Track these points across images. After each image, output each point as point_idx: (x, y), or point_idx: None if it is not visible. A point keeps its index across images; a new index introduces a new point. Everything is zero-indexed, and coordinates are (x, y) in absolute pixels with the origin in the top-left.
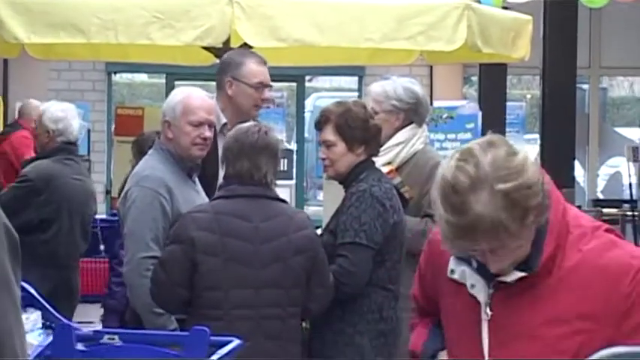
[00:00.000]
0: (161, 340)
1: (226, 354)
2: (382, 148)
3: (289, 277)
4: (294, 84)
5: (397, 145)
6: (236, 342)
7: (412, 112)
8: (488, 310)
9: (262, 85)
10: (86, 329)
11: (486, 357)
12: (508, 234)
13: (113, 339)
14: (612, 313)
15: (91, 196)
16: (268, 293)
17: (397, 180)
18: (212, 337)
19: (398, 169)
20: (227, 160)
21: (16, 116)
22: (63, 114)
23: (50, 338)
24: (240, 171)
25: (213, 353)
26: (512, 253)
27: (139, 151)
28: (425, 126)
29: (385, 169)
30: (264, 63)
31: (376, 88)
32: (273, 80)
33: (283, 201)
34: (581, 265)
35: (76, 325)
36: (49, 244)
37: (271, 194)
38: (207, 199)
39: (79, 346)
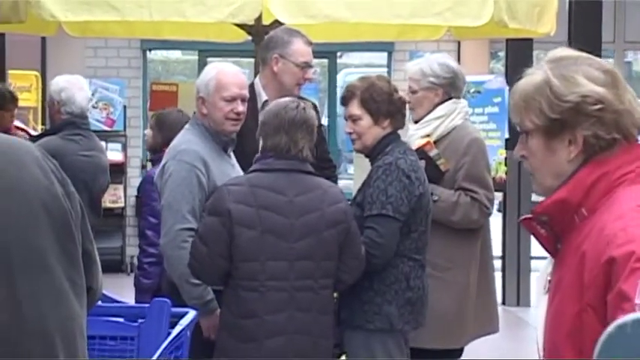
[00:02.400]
0: (121, 312)
1: (187, 325)
2: (422, 121)
3: (322, 250)
4: (326, 60)
5: (437, 118)
6: (193, 313)
7: (450, 87)
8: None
9: (307, 65)
10: None
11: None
12: None
13: None
14: (578, 285)
15: (101, 171)
16: (301, 265)
17: (434, 152)
18: (172, 309)
19: (436, 143)
20: (264, 134)
21: None
22: (66, 84)
23: None
24: (277, 145)
25: (177, 324)
26: None
27: (158, 124)
28: (465, 101)
29: (423, 141)
30: (310, 43)
31: (412, 67)
32: None
33: (318, 175)
34: (583, 229)
35: None
36: None
37: (306, 168)
38: (242, 174)
39: None
